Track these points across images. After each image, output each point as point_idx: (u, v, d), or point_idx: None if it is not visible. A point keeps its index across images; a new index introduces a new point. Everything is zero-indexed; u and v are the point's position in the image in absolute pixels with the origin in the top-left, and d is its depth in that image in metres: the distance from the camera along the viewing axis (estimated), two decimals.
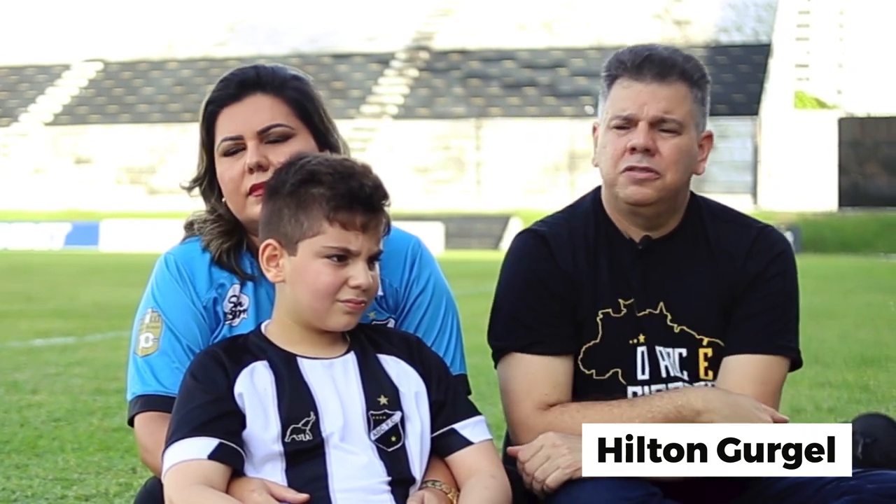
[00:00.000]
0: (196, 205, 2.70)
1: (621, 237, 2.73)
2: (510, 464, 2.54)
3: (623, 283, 2.71)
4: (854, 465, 3.39)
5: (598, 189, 2.81)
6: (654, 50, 2.67)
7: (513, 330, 2.69)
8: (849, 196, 53.30)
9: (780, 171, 56.25)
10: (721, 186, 44.98)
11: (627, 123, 2.65)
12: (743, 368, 2.65)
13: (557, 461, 2.45)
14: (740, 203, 38.82)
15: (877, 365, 8.30)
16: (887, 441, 3.83)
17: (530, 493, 2.50)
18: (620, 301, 2.70)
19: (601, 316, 2.70)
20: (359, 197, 2.32)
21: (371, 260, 2.36)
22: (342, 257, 2.32)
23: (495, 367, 2.75)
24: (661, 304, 2.70)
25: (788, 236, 41.22)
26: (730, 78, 53.12)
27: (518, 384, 2.67)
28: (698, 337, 2.69)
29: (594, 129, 2.76)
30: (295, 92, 2.59)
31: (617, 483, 2.41)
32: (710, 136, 2.75)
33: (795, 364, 2.73)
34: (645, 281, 2.71)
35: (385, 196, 2.38)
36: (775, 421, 2.55)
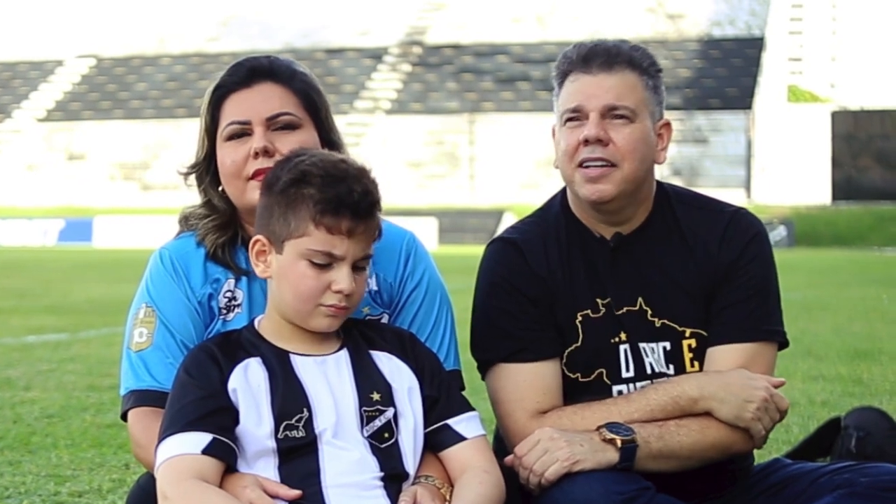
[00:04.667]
0: (190, 199, 2.70)
1: (592, 236, 2.70)
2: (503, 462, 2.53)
3: (598, 282, 2.67)
4: (847, 459, 3.40)
5: (565, 190, 2.78)
6: (601, 42, 2.67)
7: (495, 340, 2.66)
8: (842, 189, 53.42)
9: (773, 165, 56.29)
10: (714, 181, 45.05)
11: (578, 116, 2.62)
12: (729, 358, 2.62)
13: (556, 454, 2.43)
14: (734, 197, 38.78)
15: (870, 358, 8.29)
16: (880, 434, 3.82)
17: (523, 489, 2.48)
18: (598, 301, 2.67)
19: (580, 318, 2.66)
20: (346, 202, 2.29)
21: (357, 266, 2.34)
22: (326, 261, 2.31)
23: (482, 378, 2.72)
24: (640, 299, 2.67)
25: (782, 230, 41.58)
26: (723, 72, 53.19)
27: (509, 394, 2.63)
28: (680, 329, 2.67)
29: (553, 133, 2.74)
30: (304, 84, 2.59)
31: (610, 477, 2.41)
32: (668, 125, 2.70)
33: (782, 345, 2.72)
34: (620, 278, 2.67)
35: (374, 202, 2.34)
36: (774, 386, 2.55)
